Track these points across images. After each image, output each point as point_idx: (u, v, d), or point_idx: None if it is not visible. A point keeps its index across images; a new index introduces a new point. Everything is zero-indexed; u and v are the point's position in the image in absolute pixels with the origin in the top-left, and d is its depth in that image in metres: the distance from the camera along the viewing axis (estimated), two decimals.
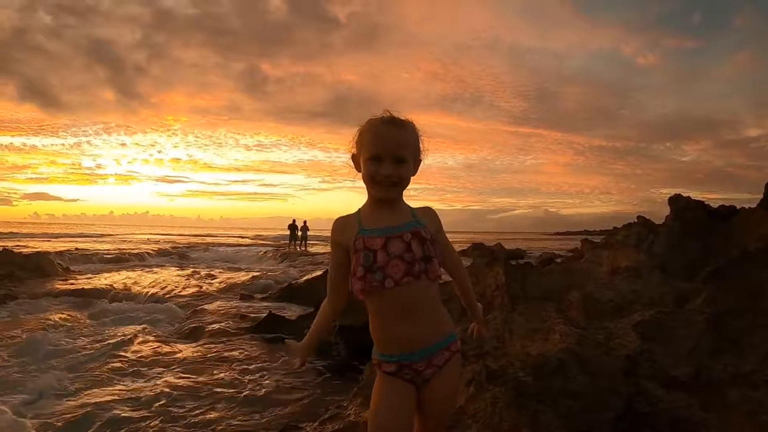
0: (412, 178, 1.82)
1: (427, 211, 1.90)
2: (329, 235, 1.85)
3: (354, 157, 1.85)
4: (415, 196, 1.93)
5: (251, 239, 45.29)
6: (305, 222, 30.15)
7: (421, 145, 1.84)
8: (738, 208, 6.67)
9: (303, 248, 28.97)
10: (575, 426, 2.44)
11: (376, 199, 1.79)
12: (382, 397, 1.79)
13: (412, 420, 1.82)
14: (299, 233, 29.94)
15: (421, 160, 1.86)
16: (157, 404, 4.64)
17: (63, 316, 8.46)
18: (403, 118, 1.79)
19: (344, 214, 1.88)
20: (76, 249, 25.37)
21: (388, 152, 1.72)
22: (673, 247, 5.79)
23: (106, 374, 5.48)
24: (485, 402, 2.39)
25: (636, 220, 7.10)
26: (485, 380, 2.49)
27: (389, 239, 1.73)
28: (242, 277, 14.49)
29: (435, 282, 1.79)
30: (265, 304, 9.74)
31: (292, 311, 8.80)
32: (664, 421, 2.62)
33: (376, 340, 1.84)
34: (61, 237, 44.18)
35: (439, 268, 1.79)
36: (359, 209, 1.85)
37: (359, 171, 1.81)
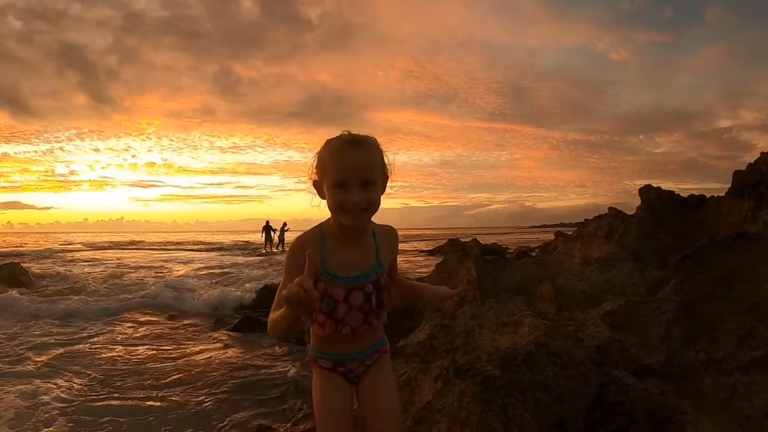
0: (382, 198, 1.68)
1: (389, 236, 1.85)
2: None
3: (316, 184, 1.70)
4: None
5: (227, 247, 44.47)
6: (285, 223, 29.84)
7: (386, 161, 1.70)
8: (708, 197, 6.73)
9: (280, 248, 28.92)
10: (546, 418, 2.39)
11: (343, 225, 1.66)
12: (322, 388, 1.83)
13: (351, 410, 1.85)
14: (276, 234, 29.75)
15: (388, 177, 1.73)
16: (117, 411, 4.60)
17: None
18: (363, 136, 1.65)
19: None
20: (51, 257, 25.33)
21: (354, 177, 1.58)
22: (644, 237, 5.81)
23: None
24: (452, 397, 2.34)
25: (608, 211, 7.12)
26: (453, 375, 2.44)
27: (351, 290, 1.69)
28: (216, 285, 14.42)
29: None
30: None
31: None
32: (638, 409, 2.59)
33: (316, 342, 1.85)
34: (35, 245, 43.34)
35: (388, 306, 1.81)
36: (322, 230, 1.73)
37: (323, 198, 1.67)
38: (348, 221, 1.63)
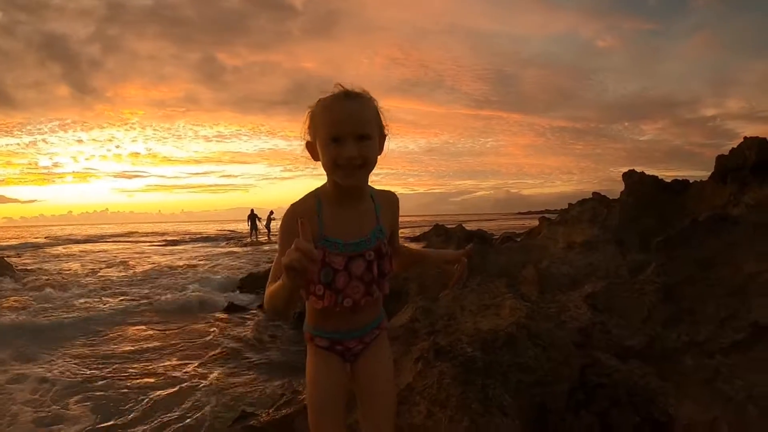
0: (378, 157, 1.59)
1: (389, 201, 1.76)
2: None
3: (309, 145, 1.62)
4: (378, 182, 1.74)
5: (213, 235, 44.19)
6: (271, 212, 29.66)
7: (382, 118, 1.61)
8: (691, 182, 6.76)
9: (267, 238, 28.80)
10: (527, 400, 2.37)
11: (339, 186, 1.57)
12: (317, 368, 1.75)
13: (345, 392, 1.78)
14: (263, 222, 29.60)
15: (386, 135, 1.63)
16: (110, 392, 4.77)
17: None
18: (357, 90, 1.56)
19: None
20: (36, 251, 25.34)
21: (348, 131, 1.49)
22: (627, 221, 5.82)
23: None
24: (432, 378, 2.31)
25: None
26: (433, 357, 2.41)
27: (351, 258, 1.60)
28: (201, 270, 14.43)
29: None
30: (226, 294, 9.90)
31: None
32: (621, 391, 2.58)
33: (312, 319, 1.76)
34: (20, 239, 42.93)
35: (390, 275, 1.72)
36: (318, 195, 1.63)
37: (317, 159, 1.59)
38: (342, 179, 1.54)
